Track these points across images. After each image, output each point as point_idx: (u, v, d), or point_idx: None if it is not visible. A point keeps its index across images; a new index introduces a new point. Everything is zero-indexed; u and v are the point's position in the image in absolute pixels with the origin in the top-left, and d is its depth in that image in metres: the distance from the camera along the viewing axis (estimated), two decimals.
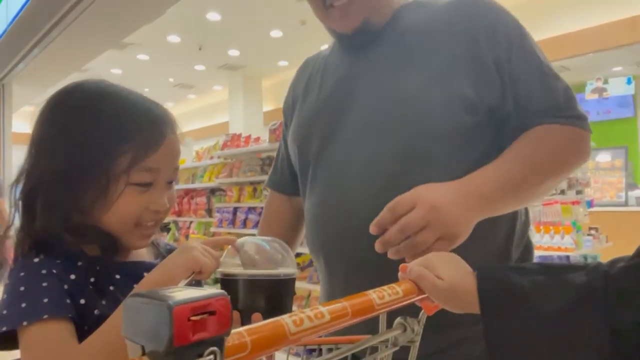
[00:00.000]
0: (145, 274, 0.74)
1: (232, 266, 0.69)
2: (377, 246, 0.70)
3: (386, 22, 0.92)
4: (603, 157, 7.45)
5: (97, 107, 0.70)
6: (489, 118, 0.84)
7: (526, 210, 0.93)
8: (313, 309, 0.47)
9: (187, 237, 4.71)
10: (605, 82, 7.56)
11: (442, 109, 0.82)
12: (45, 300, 0.62)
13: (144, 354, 0.35)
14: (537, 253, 3.73)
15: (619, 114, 7.66)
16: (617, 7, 5.26)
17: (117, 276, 0.72)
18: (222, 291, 0.36)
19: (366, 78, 0.89)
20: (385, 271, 0.66)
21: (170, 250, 0.86)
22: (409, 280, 0.62)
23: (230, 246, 0.71)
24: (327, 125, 0.91)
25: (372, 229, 0.70)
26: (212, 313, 0.34)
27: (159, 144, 0.70)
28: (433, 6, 0.92)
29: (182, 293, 0.35)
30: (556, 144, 0.82)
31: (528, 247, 0.92)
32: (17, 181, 0.71)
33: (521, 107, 0.84)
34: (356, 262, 0.84)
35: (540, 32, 5.87)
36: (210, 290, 0.36)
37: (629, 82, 7.44)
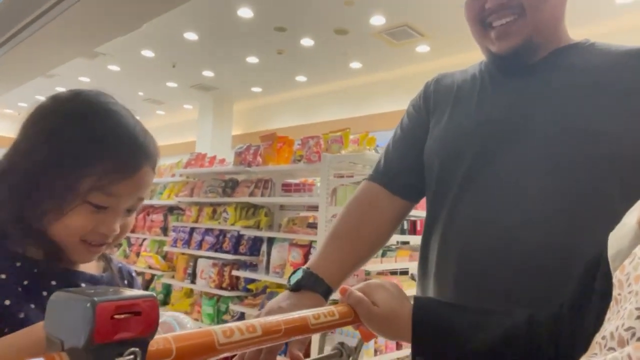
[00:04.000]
0: (82, 284, 0.73)
1: None
2: None
3: (550, 53, 0.87)
4: None
5: (82, 122, 0.69)
6: None
7: None
8: (246, 323, 0.47)
9: (138, 254, 4.56)
10: None
11: (594, 155, 0.75)
12: None
13: (63, 349, 0.34)
14: None
15: None
16: None
17: (53, 282, 0.70)
18: (151, 292, 0.36)
19: (547, 105, 0.82)
20: None
21: (121, 269, 0.84)
22: (347, 304, 0.63)
23: None
24: (489, 146, 0.84)
25: None
26: (137, 313, 0.35)
27: (129, 175, 0.69)
28: (611, 50, 0.85)
29: (109, 291, 0.35)
30: None
31: None
32: None
33: None
34: (498, 294, 0.75)
35: None
36: (139, 291, 0.36)
37: None
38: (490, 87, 0.91)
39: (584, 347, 0.46)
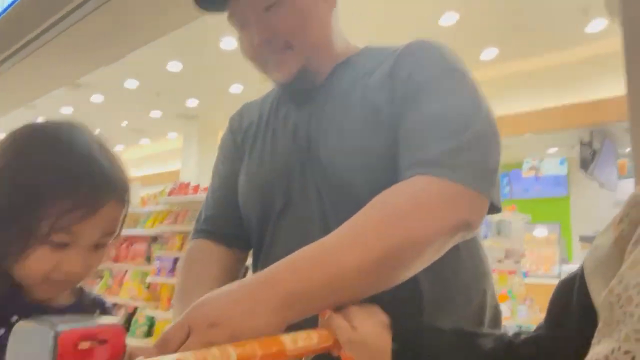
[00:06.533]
0: None
1: None
2: None
3: (328, 74, 0.88)
4: (539, 232, 7.84)
5: (38, 159, 0.65)
6: None
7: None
8: (220, 348, 0.46)
9: (120, 285, 4.45)
10: (541, 161, 8.15)
11: (364, 173, 0.77)
12: None
13: None
14: None
15: (553, 192, 8.20)
16: (553, 96, 5.80)
17: (15, 317, 0.64)
18: (117, 320, 0.35)
19: (322, 136, 0.84)
20: None
21: (94, 301, 0.79)
22: (326, 328, 0.62)
23: None
24: (282, 192, 0.85)
25: None
26: (103, 342, 0.34)
27: (91, 213, 0.64)
28: (377, 55, 0.86)
29: (74, 319, 0.34)
30: (407, 201, 0.64)
31: (497, 312, 0.88)
32: None
33: (401, 158, 0.73)
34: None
35: None
36: (104, 318, 0.35)
37: (561, 162, 8.05)
38: (282, 120, 0.92)
39: None
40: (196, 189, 4.27)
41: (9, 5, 3.90)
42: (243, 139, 0.99)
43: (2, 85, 5.09)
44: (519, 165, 8.22)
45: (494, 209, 0.71)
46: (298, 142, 0.86)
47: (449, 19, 4.78)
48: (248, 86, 7.11)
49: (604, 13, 4.12)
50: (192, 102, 8.00)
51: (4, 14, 3.96)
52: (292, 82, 0.86)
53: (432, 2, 4.54)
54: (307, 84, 0.87)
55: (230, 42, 5.54)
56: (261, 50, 0.84)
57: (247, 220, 0.93)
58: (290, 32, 0.82)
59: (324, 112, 0.85)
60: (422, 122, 0.73)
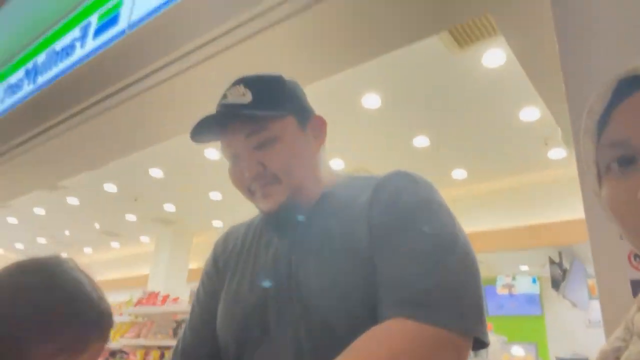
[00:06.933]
0: None
1: None
2: None
3: (313, 205, 0.90)
4: (516, 351, 7.63)
5: (28, 300, 0.64)
6: None
7: None
8: None
9: None
10: (514, 278, 8.20)
11: (342, 310, 0.76)
12: None
13: None
14: None
15: (528, 311, 8.14)
16: (521, 216, 6.05)
17: None
18: None
19: (295, 265, 0.85)
20: None
21: None
22: None
23: None
24: (265, 311, 0.85)
25: None
26: None
27: (76, 357, 0.64)
28: (358, 186, 0.89)
29: None
30: (384, 350, 0.63)
31: None
32: None
33: (380, 296, 0.73)
34: None
35: None
36: None
37: (534, 281, 8.12)
38: (263, 247, 0.93)
39: None
40: (165, 299, 4.10)
41: None
42: (225, 263, 0.99)
43: None
44: (492, 281, 8.25)
45: (481, 344, 0.70)
46: (278, 273, 0.87)
47: (421, 141, 5.11)
48: (227, 194, 7.20)
49: (562, 144, 4.49)
50: (169, 207, 8.00)
51: None
52: (276, 212, 0.88)
53: (406, 127, 4.88)
54: (291, 214, 0.88)
55: (213, 152, 5.73)
56: (251, 181, 0.87)
57: (224, 349, 0.91)
58: (280, 169, 0.86)
59: (304, 244, 0.86)
60: (400, 259, 0.74)
